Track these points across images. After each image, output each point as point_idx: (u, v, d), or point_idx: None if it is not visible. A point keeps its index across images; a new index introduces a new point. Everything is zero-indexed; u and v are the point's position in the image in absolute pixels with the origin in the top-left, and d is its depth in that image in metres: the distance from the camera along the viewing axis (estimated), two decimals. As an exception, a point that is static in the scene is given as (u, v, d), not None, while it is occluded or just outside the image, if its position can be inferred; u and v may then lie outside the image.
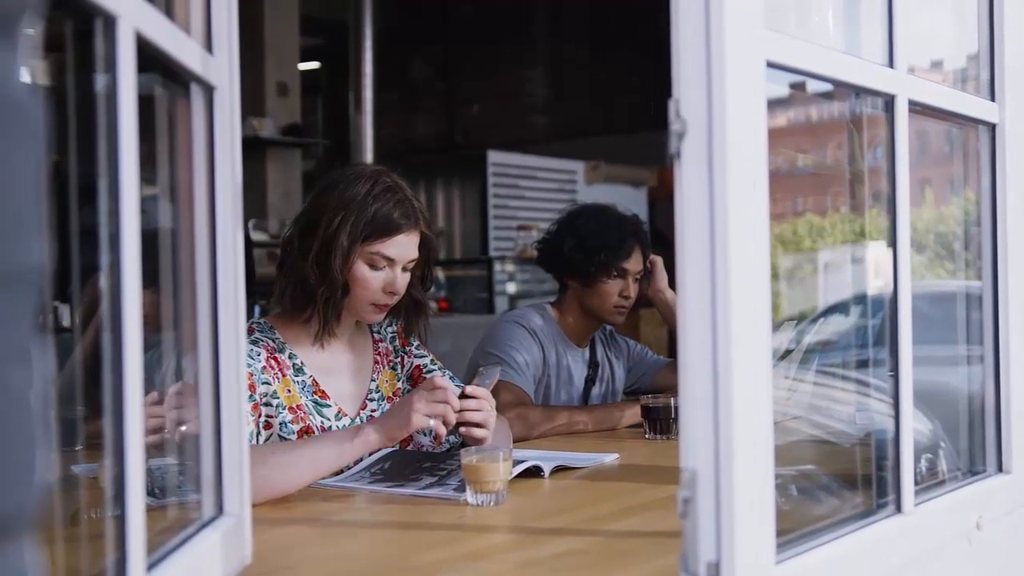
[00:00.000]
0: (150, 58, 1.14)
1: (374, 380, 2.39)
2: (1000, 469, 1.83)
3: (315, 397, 2.25)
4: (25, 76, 0.61)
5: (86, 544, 1.26)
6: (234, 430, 1.40)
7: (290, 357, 2.26)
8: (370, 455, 2.17)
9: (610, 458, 2.37)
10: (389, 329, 2.47)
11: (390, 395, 2.40)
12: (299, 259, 2.22)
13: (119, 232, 1.02)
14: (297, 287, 2.24)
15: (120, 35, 1.03)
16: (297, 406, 2.21)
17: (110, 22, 1.02)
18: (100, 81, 1.04)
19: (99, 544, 1.12)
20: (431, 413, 2.05)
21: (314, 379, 2.27)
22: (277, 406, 2.18)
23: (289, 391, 2.22)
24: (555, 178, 8.40)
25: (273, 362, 2.21)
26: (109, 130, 1.03)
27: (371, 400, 2.36)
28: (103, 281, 1.03)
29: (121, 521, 1.02)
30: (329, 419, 2.25)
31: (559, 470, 2.20)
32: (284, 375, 2.22)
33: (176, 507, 1.46)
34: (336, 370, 2.33)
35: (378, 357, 2.42)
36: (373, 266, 2.23)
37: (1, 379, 0.56)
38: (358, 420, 2.30)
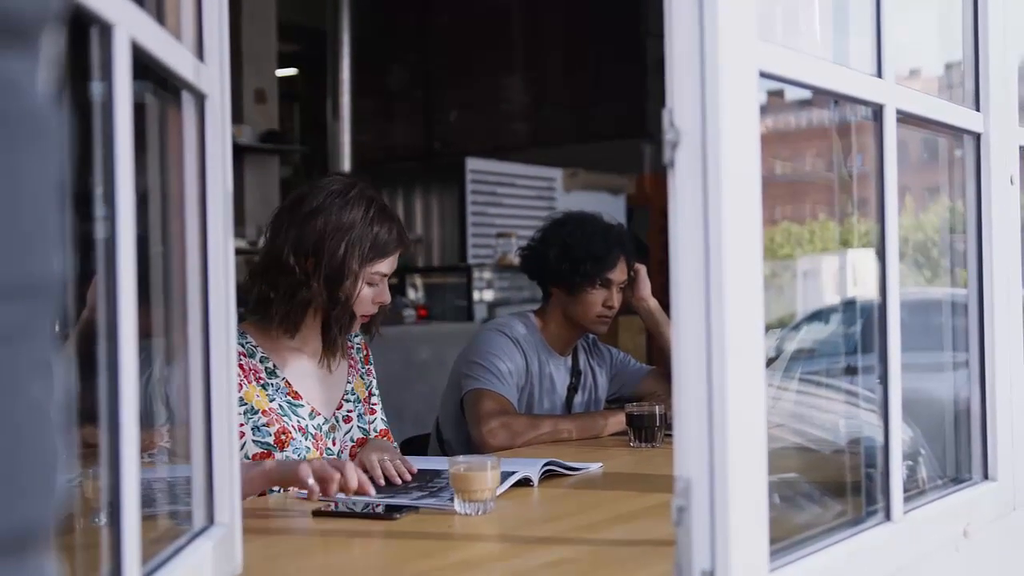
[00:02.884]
0: (142, 66, 1.13)
1: (350, 382, 2.47)
2: (986, 477, 1.84)
3: (288, 398, 2.31)
4: (45, 86, 0.60)
5: (76, 554, 1.25)
6: (225, 440, 1.39)
7: (261, 361, 2.31)
8: None
9: (595, 467, 2.38)
10: (356, 339, 2.54)
11: (364, 399, 2.49)
12: (301, 283, 2.26)
13: (115, 239, 1.02)
14: (301, 309, 2.29)
15: (116, 43, 1.02)
16: (270, 409, 2.27)
17: (106, 30, 1.01)
18: (95, 88, 1.03)
19: (88, 554, 1.11)
20: (318, 472, 1.93)
21: (287, 380, 2.32)
22: (246, 412, 2.22)
23: (258, 396, 2.26)
24: (534, 185, 8.40)
25: (238, 369, 2.24)
26: (105, 137, 1.02)
27: (347, 401, 2.44)
28: (98, 289, 1.02)
29: (116, 531, 1.01)
30: (304, 418, 2.31)
31: (548, 476, 2.21)
32: (251, 382, 2.26)
33: (164, 516, 1.46)
34: (311, 372, 2.38)
35: (352, 361, 2.50)
36: (371, 284, 2.33)
37: (23, 391, 0.56)
38: (333, 420, 2.38)
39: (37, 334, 0.57)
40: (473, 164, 8.14)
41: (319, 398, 2.38)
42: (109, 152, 1.02)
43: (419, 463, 2.28)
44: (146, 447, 1.45)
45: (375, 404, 2.55)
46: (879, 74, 1.55)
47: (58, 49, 0.63)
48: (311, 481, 1.92)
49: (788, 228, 2.08)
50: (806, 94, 1.60)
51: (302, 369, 2.37)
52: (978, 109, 1.86)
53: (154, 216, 1.40)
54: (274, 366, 2.32)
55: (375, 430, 2.49)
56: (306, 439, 2.29)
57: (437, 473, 2.20)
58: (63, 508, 0.61)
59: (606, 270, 3.01)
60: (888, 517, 1.54)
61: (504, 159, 8.46)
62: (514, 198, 8.27)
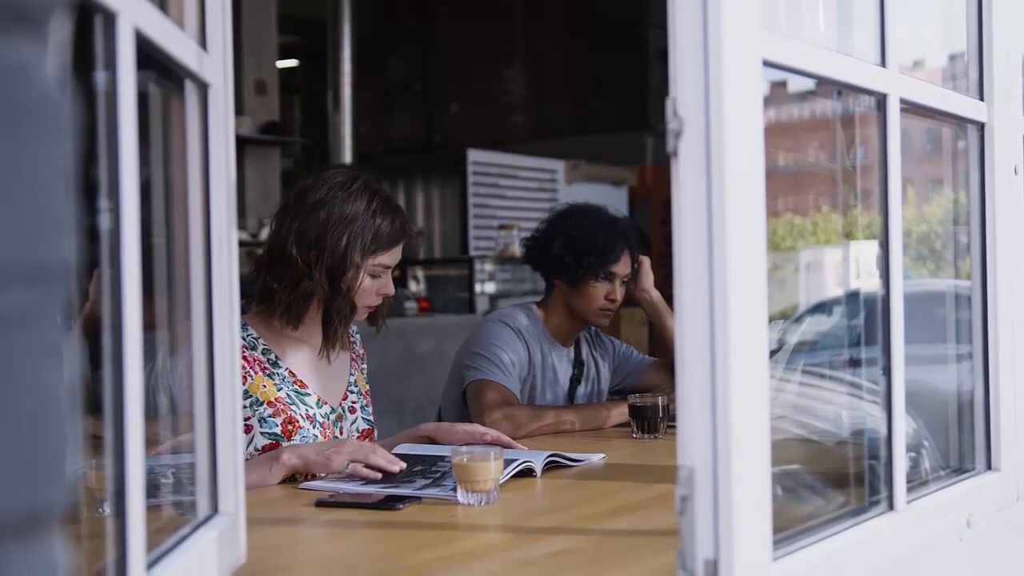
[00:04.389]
0: (145, 55, 1.13)
1: (352, 375, 2.49)
2: (989, 467, 1.84)
3: (295, 387, 2.33)
4: (54, 72, 0.60)
5: (80, 544, 1.25)
6: (228, 429, 1.40)
7: (263, 353, 2.33)
8: None
9: (597, 457, 2.38)
10: (357, 335, 2.57)
11: (364, 391, 2.52)
12: (303, 275, 2.28)
13: (119, 230, 1.02)
14: (303, 300, 2.31)
15: (120, 32, 1.02)
16: (276, 399, 2.28)
17: (110, 19, 1.01)
18: (99, 78, 1.03)
19: (94, 544, 1.11)
20: (354, 458, 2.10)
21: (291, 371, 2.34)
22: (251, 404, 2.24)
23: (264, 387, 2.28)
24: (535, 177, 8.39)
25: (244, 361, 2.26)
26: (109, 127, 1.02)
27: (351, 392, 2.47)
28: (103, 280, 1.02)
29: (121, 521, 1.01)
30: (311, 407, 2.34)
31: (550, 467, 2.21)
32: (257, 372, 2.28)
33: (168, 505, 1.46)
34: (314, 363, 2.40)
35: (354, 355, 2.52)
36: (373, 276, 2.34)
37: (33, 377, 0.56)
38: (340, 410, 2.41)
39: (47, 319, 0.58)
40: (475, 156, 8.14)
41: (324, 388, 2.40)
42: (113, 142, 1.02)
43: (421, 450, 2.29)
44: (152, 442, 1.46)
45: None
46: (883, 63, 1.55)
47: (65, 35, 0.63)
48: (351, 468, 2.08)
49: (791, 220, 2.07)
50: (809, 85, 1.60)
51: (305, 360, 2.39)
52: (982, 99, 1.85)
53: (157, 206, 1.40)
54: (276, 358, 2.33)
55: (370, 413, 2.52)
56: (314, 427, 2.31)
57: (440, 458, 2.21)
58: (73, 493, 0.61)
59: (610, 263, 3.01)
60: (891, 507, 1.54)
61: (505, 151, 8.46)
62: (516, 190, 8.27)
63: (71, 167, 0.61)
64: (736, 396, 1.18)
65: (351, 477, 2.09)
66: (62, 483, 0.59)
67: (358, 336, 2.57)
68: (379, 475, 2.07)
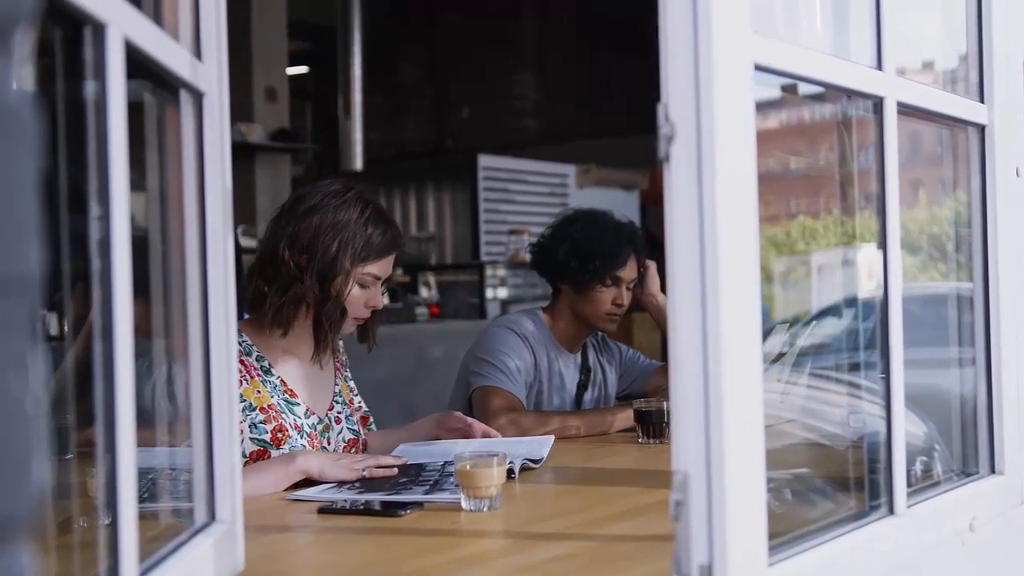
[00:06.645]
0: (138, 65, 1.14)
1: (337, 384, 2.52)
2: (992, 470, 1.84)
3: (286, 396, 2.36)
4: (19, 83, 0.61)
5: (77, 552, 1.25)
6: (226, 437, 1.40)
7: (258, 360, 2.35)
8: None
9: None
10: (340, 343, 2.59)
11: (348, 401, 2.53)
12: (294, 279, 2.30)
13: (109, 239, 1.02)
14: (293, 305, 2.32)
15: (109, 42, 1.02)
16: (268, 406, 2.31)
17: (99, 29, 1.02)
18: (89, 88, 1.03)
19: (90, 552, 1.12)
20: (365, 466, 2.18)
21: (282, 379, 2.36)
22: (244, 408, 2.26)
23: (259, 392, 2.31)
24: (546, 182, 8.39)
25: (240, 365, 2.28)
26: (99, 137, 1.03)
27: (337, 402, 2.49)
28: (94, 289, 1.03)
29: (114, 528, 1.02)
30: (299, 416, 2.36)
31: (524, 469, 2.24)
32: (253, 377, 2.32)
33: (167, 513, 1.46)
34: (303, 373, 2.42)
35: (338, 365, 2.55)
36: (362, 285, 2.36)
37: None
38: (326, 419, 2.43)
39: (14, 328, 0.58)
40: (485, 161, 8.15)
41: (312, 398, 2.42)
42: (103, 152, 1.03)
43: (413, 455, 2.31)
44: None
45: (359, 400, 2.60)
46: (879, 66, 1.55)
47: (31, 46, 0.64)
48: (367, 474, 2.16)
49: (803, 222, 2.07)
50: (820, 88, 1.59)
51: (294, 369, 2.41)
52: (982, 101, 1.85)
53: (154, 215, 1.40)
54: (269, 365, 2.36)
55: (355, 423, 2.53)
56: (301, 437, 2.32)
57: (422, 467, 2.21)
58: (40, 503, 0.61)
59: (615, 268, 3.01)
60: (891, 511, 1.53)
61: (516, 156, 8.45)
62: (527, 195, 8.27)
63: (36, 178, 0.62)
64: (729, 400, 1.18)
65: (340, 486, 2.10)
66: (28, 492, 0.59)
67: (340, 342, 2.59)
68: (395, 471, 2.17)
